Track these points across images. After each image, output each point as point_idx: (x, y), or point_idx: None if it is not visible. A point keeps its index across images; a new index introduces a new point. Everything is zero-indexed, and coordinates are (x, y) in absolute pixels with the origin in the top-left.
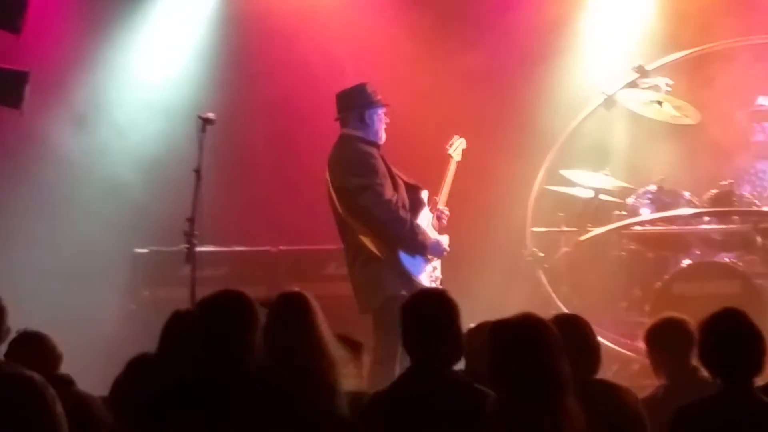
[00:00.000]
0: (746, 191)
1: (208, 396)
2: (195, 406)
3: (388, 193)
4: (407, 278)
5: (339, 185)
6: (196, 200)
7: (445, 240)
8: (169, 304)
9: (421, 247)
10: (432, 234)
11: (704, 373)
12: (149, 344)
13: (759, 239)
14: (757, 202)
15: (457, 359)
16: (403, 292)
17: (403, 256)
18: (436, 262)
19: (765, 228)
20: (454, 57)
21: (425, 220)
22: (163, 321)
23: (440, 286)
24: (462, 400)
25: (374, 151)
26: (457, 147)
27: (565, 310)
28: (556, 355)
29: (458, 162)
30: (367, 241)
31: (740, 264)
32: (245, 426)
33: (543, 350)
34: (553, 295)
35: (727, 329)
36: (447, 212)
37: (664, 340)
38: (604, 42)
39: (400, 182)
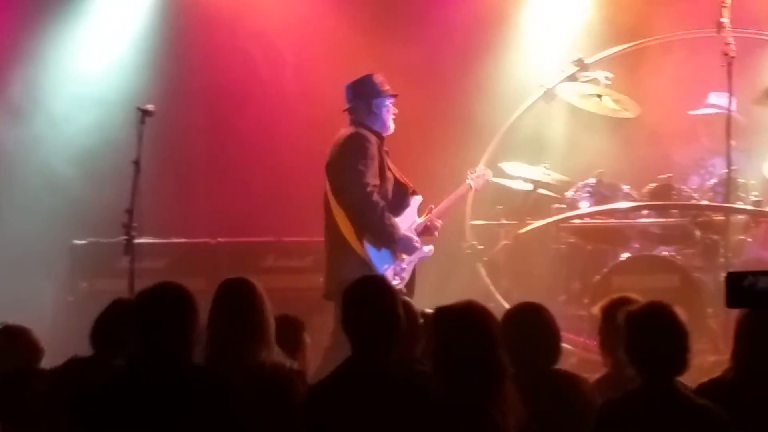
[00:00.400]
0: (694, 184)
1: (142, 390)
2: (129, 401)
3: (369, 177)
4: (369, 269)
5: (328, 162)
6: (134, 192)
7: (427, 248)
8: (108, 296)
9: (388, 239)
10: (414, 236)
11: None
12: (87, 336)
13: (697, 233)
14: (695, 195)
15: (395, 345)
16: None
17: (369, 247)
18: (408, 263)
19: (703, 221)
20: (395, 50)
21: (407, 221)
22: None
23: (400, 285)
24: (402, 388)
25: (373, 138)
26: (479, 176)
27: (504, 303)
28: (498, 343)
29: (473, 190)
30: (341, 224)
31: (679, 257)
32: (179, 420)
33: (487, 337)
34: (492, 288)
35: (651, 325)
36: (439, 225)
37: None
38: (544, 35)
39: (390, 176)
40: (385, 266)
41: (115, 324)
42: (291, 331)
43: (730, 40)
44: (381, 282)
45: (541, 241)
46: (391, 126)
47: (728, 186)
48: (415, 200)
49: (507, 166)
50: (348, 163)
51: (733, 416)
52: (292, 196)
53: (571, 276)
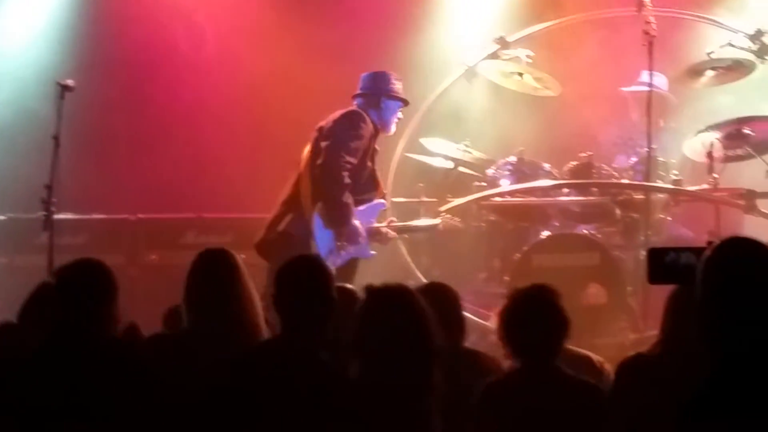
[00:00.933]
0: (621, 162)
1: (60, 364)
2: (47, 375)
3: (350, 152)
4: (308, 234)
5: (322, 125)
6: (54, 167)
7: (370, 252)
8: (26, 272)
9: (338, 218)
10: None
11: None
12: (5, 311)
13: (618, 211)
14: (616, 174)
15: (326, 327)
16: (297, 234)
17: (317, 217)
18: (346, 253)
19: (624, 200)
20: (315, 28)
21: (362, 216)
22: (20, 288)
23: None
24: (326, 369)
25: (370, 124)
26: (451, 220)
27: (424, 281)
28: (430, 322)
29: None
30: (302, 184)
31: (599, 236)
32: (98, 394)
33: (420, 317)
34: (413, 265)
35: (529, 309)
36: (391, 237)
37: None
38: (466, 13)
39: (370, 167)
40: (321, 243)
41: (42, 306)
42: None
43: (651, 18)
44: (317, 262)
45: (462, 218)
46: (392, 129)
47: (648, 165)
48: (379, 203)
49: (428, 143)
50: (336, 131)
51: (658, 390)
52: (213, 172)
53: (492, 254)
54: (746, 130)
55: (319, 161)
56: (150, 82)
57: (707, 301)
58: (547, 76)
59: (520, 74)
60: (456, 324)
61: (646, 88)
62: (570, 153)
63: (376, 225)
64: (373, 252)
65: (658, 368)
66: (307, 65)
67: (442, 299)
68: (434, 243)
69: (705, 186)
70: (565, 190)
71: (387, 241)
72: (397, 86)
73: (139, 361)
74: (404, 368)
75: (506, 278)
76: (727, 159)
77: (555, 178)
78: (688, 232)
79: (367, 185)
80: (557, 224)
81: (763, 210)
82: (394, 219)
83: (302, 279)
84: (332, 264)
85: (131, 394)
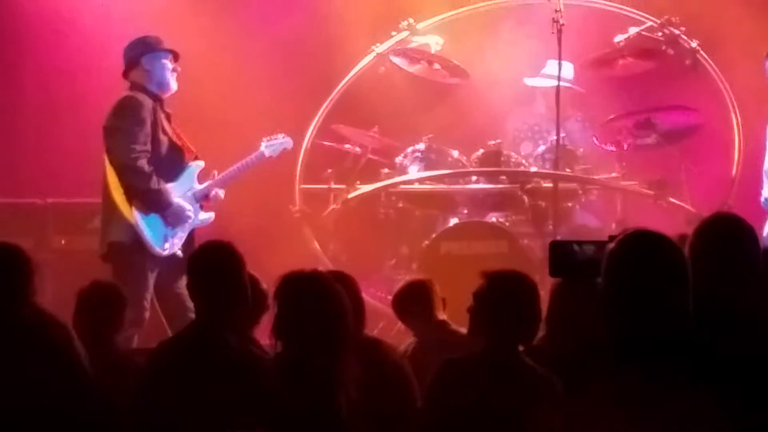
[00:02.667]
0: (527, 149)
1: None
2: None
3: (136, 141)
4: (137, 233)
5: (103, 124)
6: None
7: (205, 215)
8: None
9: (155, 205)
10: (188, 204)
11: (452, 326)
12: None
13: (526, 199)
14: (525, 162)
15: (239, 314)
16: (126, 240)
17: (137, 212)
18: (183, 229)
19: (532, 188)
20: (224, 18)
21: (182, 187)
22: None
23: (170, 250)
24: (239, 357)
25: (147, 101)
26: (275, 143)
27: (333, 268)
28: (347, 310)
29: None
30: (112, 185)
31: (507, 224)
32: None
33: (337, 304)
34: (321, 252)
35: (504, 293)
36: (221, 195)
37: (405, 305)
38: None
39: (165, 139)
40: (157, 232)
41: None
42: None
43: (560, 7)
44: (225, 248)
45: (370, 206)
46: (172, 84)
47: (557, 153)
48: (196, 165)
49: (338, 129)
50: (115, 125)
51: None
52: None
53: (400, 241)
54: (655, 119)
55: (114, 162)
56: (57, 64)
57: (611, 294)
58: (456, 64)
59: (429, 62)
60: (357, 312)
61: (550, 82)
62: (479, 140)
63: (200, 187)
64: (210, 214)
65: (546, 359)
66: (211, 52)
67: (343, 288)
68: (343, 230)
69: (614, 175)
70: (474, 177)
71: (216, 199)
72: (156, 41)
73: (52, 341)
74: (319, 349)
75: (414, 266)
76: (637, 148)
77: (464, 166)
78: (596, 220)
79: (171, 157)
80: (466, 212)
81: (672, 199)
82: (216, 172)
83: (210, 266)
84: (172, 248)
85: (43, 373)
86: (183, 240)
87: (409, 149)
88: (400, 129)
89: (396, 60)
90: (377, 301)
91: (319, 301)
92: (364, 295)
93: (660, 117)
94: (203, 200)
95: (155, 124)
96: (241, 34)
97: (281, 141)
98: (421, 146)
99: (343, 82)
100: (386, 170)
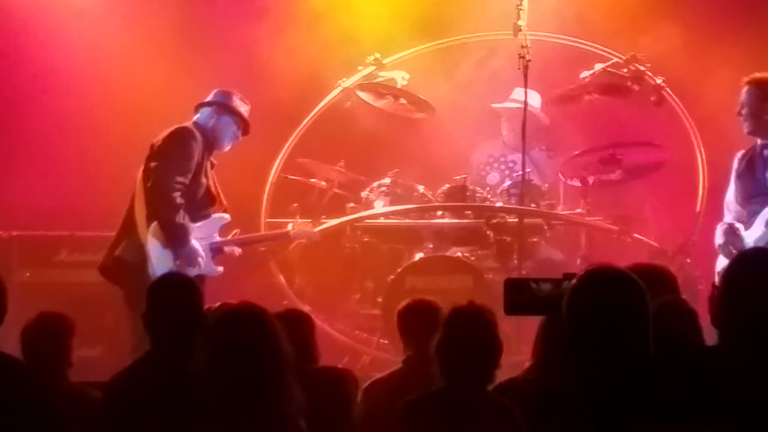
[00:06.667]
0: (494, 180)
1: None
2: None
3: (178, 172)
4: (144, 257)
5: (153, 143)
6: None
7: (215, 268)
8: None
9: (173, 239)
10: (202, 251)
11: None
12: None
13: (491, 234)
14: (490, 197)
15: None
16: (131, 260)
17: (153, 239)
18: (188, 272)
19: (497, 223)
20: (190, 50)
21: (202, 232)
22: None
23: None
24: (187, 387)
25: (200, 139)
26: (301, 228)
27: (298, 302)
28: (282, 338)
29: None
30: (137, 205)
31: (472, 258)
32: None
33: (271, 333)
34: (287, 286)
35: (467, 330)
36: (236, 253)
37: (412, 321)
38: (344, 33)
39: (204, 183)
40: (163, 264)
41: None
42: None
43: (527, 43)
44: (183, 280)
45: (336, 240)
46: (225, 147)
47: (522, 188)
48: (220, 217)
49: (304, 163)
50: (166, 149)
51: (534, 414)
52: (87, 190)
53: (365, 275)
54: (619, 155)
55: (149, 183)
56: (23, 96)
57: (573, 330)
58: (422, 99)
59: (396, 96)
60: (307, 347)
61: (518, 105)
62: (444, 175)
63: (219, 240)
64: (219, 268)
65: (533, 391)
66: (182, 83)
67: (295, 324)
68: (308, 264)
69: (579, 210)
70: (439, 212)
71: (234, 256)
72: (237, 104)
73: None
74: (259, 377)
75: (379, 300)
76: (602, 183)
77: (429, 201)
78: (560, 255)
79: (203, 201)
80: (431, 246)
81: (636, 235)
82: (238, 231)
83: (169, 297)
84: None
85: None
86: None
87: (375, 184)
88: (366, 163)
89: (362, 95)
90: (342, 335)
91: (246, 333)
92: (329, 329)
93: (625, 153)
94: (218, 253)
95: (201, 165)
96: (206, 68)
97: (307, 227)
98: (387, 181)
99: (310, 116)
100: (352, 204)
